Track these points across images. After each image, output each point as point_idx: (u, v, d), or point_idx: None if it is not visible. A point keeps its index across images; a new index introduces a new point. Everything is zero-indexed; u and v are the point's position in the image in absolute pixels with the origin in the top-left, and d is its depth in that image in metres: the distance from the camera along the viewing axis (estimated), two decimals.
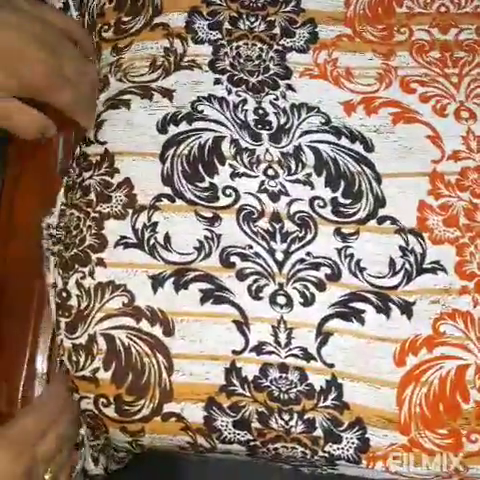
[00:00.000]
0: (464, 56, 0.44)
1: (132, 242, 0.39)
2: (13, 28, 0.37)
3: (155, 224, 0.40)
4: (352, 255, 0.39)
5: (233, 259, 0.39)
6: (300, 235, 0.40)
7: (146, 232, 0.39)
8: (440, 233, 0.40)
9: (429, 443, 0.37)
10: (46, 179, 0.43)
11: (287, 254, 0.39)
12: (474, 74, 0.44)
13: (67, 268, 0.39)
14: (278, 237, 0.40)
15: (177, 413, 0.37)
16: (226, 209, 0.40)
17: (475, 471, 0.37)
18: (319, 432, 0.37)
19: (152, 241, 0.39)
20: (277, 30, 0.45)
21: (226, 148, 0.41)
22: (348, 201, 0.41)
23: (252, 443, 0.37)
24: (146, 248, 0.39)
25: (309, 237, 0.40)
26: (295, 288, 0.39)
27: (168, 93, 0.43)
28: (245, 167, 0.41)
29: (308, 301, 0.38)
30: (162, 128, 0.42)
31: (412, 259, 0.39)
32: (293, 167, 0.41)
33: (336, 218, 0.40)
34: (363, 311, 0.38)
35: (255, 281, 0.39)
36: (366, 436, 0.37)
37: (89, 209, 0.40)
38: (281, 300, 0.38)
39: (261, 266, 0.39)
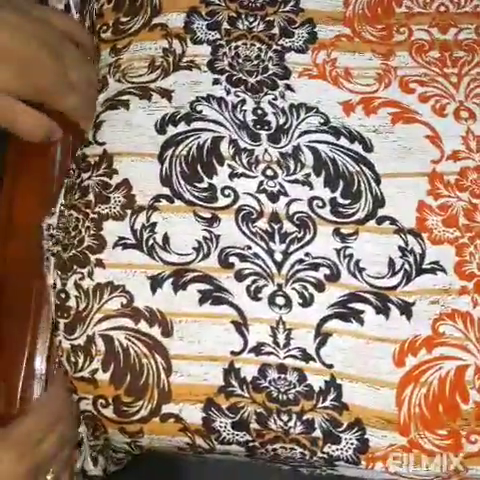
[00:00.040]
0: (463, 56, 0.44)
1: (131, 243, 0.39)
2: (13, 28, 0.37)
3: (154, 225, 0.40)
4: (351, 255, 0.39)
5: (232, 260, 0.39)
6: (299, 235, 0.40)
7: (145, 233, 0.39)
8: (439, 233, 0.40)
9: (429, 444, 0.37)
10: (45, 179, 0.43)
11: (286, 255, 0.39)
12: (473, 74, 0.44)
13: (66, 269, 0.39)
14: (277, 238, 0.40)
15: (175, 414, 0.37)
16: (225, 210, 0.40)
17: (475, 472, 0.37)
18: (318, 433, 0.37)
19: (151, 242, 0.39)
20: (276, 30, 0.45)
21: (225, 148, 0.41)
22: (347, 201, 0.41)
23: (251, 444, 0.37)
24: (145, 249, 0.39)
25: (308, 237, 0.40)
26: (294, 289, 0.38)
27: (167, 93, 0.43)
28: (244, 167, 0.41)
29: (307, 302, 0.38)
30: (161, 128, 0.42)
31: (411, 259, 0.39)
32: (292, 167, 0.41)
33: (335, 218, 0.40)
34: (362, 311, 0.38)
35: (254, 282, 0.39)
36: (365, 437, 0.37)
37: (88, 210, 0.40)
38: (280, 301, 0.38)
39: (260, 267, 0.39)
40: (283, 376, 0.37)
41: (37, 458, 0.35)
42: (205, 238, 0.39)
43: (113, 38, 0.45)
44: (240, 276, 0.39)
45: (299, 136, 0.42)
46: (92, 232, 0.40)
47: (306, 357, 0.37)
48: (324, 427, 0.37)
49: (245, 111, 0.43)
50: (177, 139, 0.41)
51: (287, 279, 0.39)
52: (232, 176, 0.41)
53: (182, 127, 0.42)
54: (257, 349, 0.38)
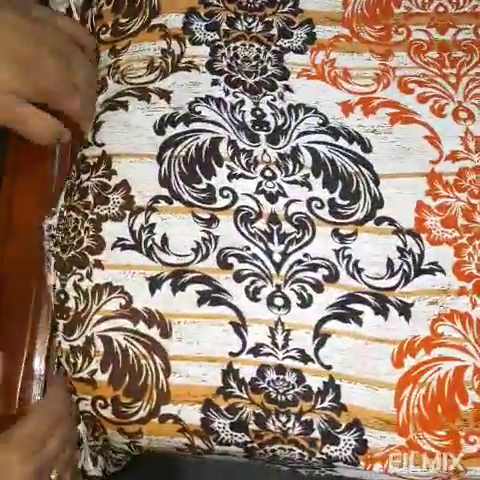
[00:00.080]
0: (462, 56, 0.44)
1: (129, 244, 0.39)
2: (12, 27, 0.38)
3: (152, 226, 0.40)
4: (350, 256, 0.39)
5: (230, 260, 0.39)
6: (298, 236, 0.40)
7: (143, 234, 0.39)
8: (438, 234, 0.40)
9: (427, 445, 0.37)
10: (44, 180, 0.43)
11: (285, 255, 0.39)
12: (472, 74, 0.44)
13: (65, 270, 0.39)
14: (276, 238, 0.40)
15: (174, 415, 0.37)
16: (223, 210, 0.40)
17: (473, 473, 0.37)
18: (316, 434, 0.37)
19: (149, 243, 0.39)
20: (275, 31, 0.45)
21: (223, 149, 0.41)
22: (346, 202, 0.40)
23: (249, 445, 0.37)
24: (143, 250, 0.39)
25: (307, 238, 0.40)
26: (293, 289, 0.38)
27: (165, 94, 0.43)
28: (242, 168, 0.41)
29: (306, 302, 0.38)
30: (159, 129, 0.42)
31: (410, 260, 0.39)
32: (291, 168, 0.41)
33: (334, 219, 0.40)
34: (361, 312, 0.38)
35: (252, 282, 0.39)
36: (364, 438, 0.37)
37: (87, 211, 0.40)
38: (278, 302, 0.38)
39: (259, 267, 0.39)
40: (282, 377, 0.37)
41: (42, 458, 0.35)
42: (204, 239, 0.39)
43: (112, 39, 0.45)
44: (239, 277, 0.39)
45: (298, 137, 0.42)
46: (91, 233, 0.40)
47: (305, 358, 0.37)
48: (323, 428, 0.37)
49: (244, 112, 0.43)
50: (176, 140, 0.41)
51: (286, 280, 0.39)
52: (231, 177, 0.41)
53: (181, 128, 0.42)
54: (256, 350, 0.38)
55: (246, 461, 0.39)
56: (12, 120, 0.39)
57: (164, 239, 0.39)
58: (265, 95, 0.43)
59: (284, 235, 0.40)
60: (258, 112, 0.43)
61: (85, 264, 0.39)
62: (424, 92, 0.43)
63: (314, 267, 0.39)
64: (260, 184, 0.41)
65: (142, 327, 0.38)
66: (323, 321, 0.38)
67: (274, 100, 0.43)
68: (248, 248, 0.39)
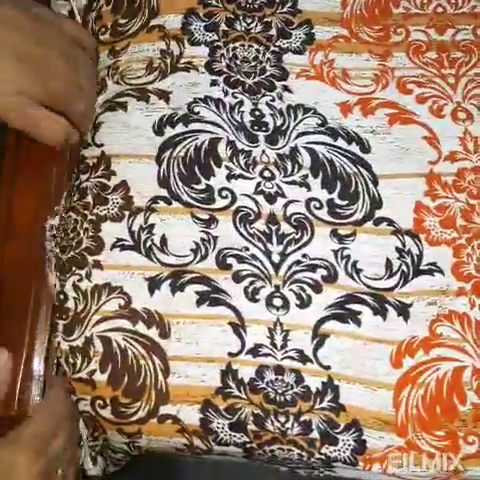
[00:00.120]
0: (461, 57, 0.44)
1: (129, 244, 0.39)
2: (12, 25, 0.38)
3: (151, 226, 0.40)
4: (348, 257, 0.39)
5: (229, 261, 0.39)
6: (296, 237, 0.40)
7: (142, 234, 0.39)
8: (437, 234, 0.40)
9: (426, 445, 0.37)
10: (44, 180, 0.43)
11: (283, 256, 0.39)
12: (471, 75, 0.44)
13: (64, 270, 0.39)
14: (274, 239, 0.40)
15: (173, 415, 0.37)
16: (222, 211, 0.40)
17: (472, 473, 0.37)
18: (315, 434, 0.37)
19: (149, 243, 0.39)
20: (273, 31, 0.45)
21: (222, 150, 0.41)
22: (344, 202, 0.41)
23: (248, 445, 0.37)
24: (143, 250, 0.39)
25: (305, 239, 0.40)
26: (291, 290, 0.39)
27: (164, 95, 0.43)
28: (241, 169, 0.41)
29: (304, 303, 0.38)
30: (158, 130, 0.42)
31: (409, 260, 0.39)
32: (289, 168, 0.41)
33: (332, 219, 0.40)
34: (359, 313, 0.38)
35: (251, 283, 0.39)
36: (362, 438, 0.37)
37: (86, 211, 0.40)
38: (277, 302, 0.38)
39: (257, 268, 0.39)
40: (280, 377, 0.37)
41: (48, 458, 0.36)
42: (203, 239, 0.39)
43: (111, 40, 0.45)
44: (238, 277, 0.39)
45: (296, 137, 0.42)
46: (90, 234, 0.40)
47: (303, 358, 0.37)
48: (321, 428, 0.37)
49: (243, 112, 0.43)
50: (175, 140, 0.41)
51: (284, 280, 0.39)
52: (230, 177, 0.41)
53: (180, 128, 0.42)
54: (254, 350, 0.38)
55: (245, 461, 0.39)
56: (24, 123, 0.39)
57: (163, 240, 0.39)
58: (264, 95, 0.43)
59: (283, 235, 0.40)
60: (257, 113, 0.43)
61: (84, 265, 0.39)
62: (423, 92, 0.43)
63: (313, 267, 0.39)
64: (259, 185, 0.41)
65: (141, 327, 0.38)
66: (322, 321, 0.38)
67: (273, 100, 0.43)
68: (247, 249, 0.39)
